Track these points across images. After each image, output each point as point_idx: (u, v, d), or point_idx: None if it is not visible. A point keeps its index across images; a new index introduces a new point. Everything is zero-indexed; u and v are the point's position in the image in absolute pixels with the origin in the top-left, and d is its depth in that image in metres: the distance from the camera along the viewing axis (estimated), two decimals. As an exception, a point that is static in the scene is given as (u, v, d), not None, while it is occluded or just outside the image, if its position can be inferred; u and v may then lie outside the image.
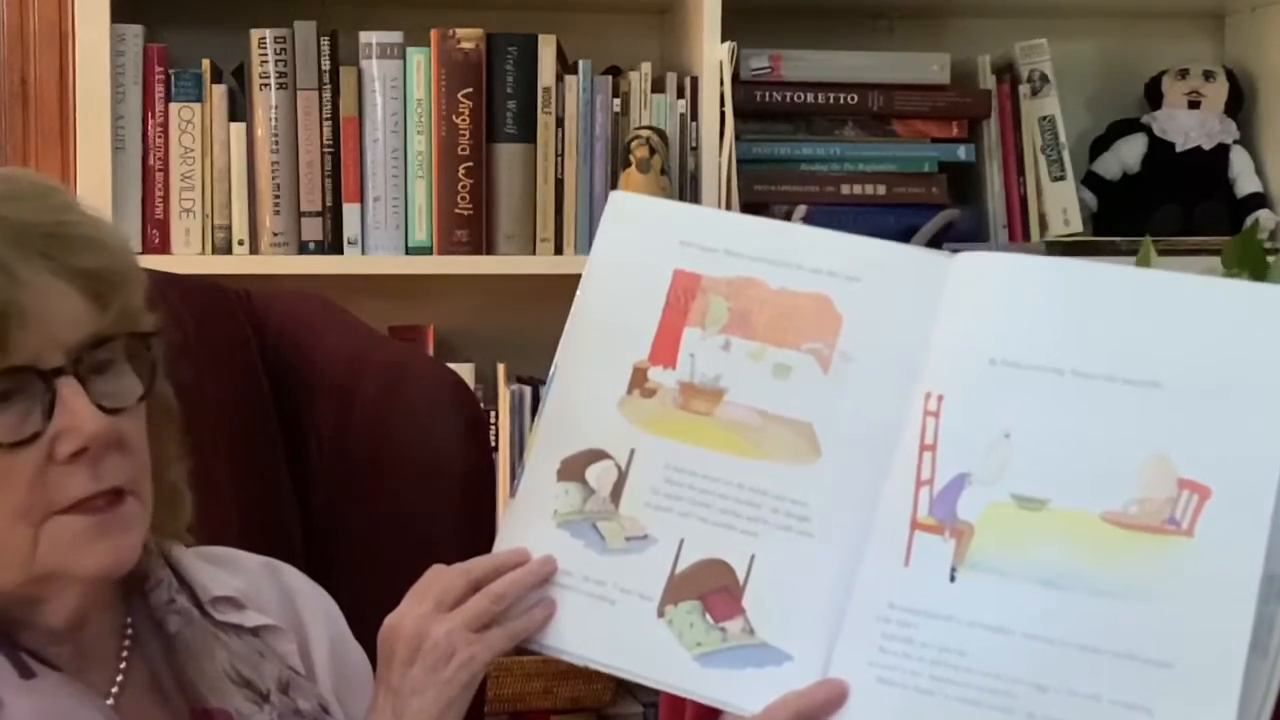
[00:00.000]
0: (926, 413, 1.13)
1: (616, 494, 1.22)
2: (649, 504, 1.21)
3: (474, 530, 1.48)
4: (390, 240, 2.28)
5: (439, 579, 1.20)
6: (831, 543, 1.15)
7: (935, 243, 2.13)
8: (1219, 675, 1.01)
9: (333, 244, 2.27)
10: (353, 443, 1.51)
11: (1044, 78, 2.55)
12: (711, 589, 1.18)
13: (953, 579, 1.10)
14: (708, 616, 1.17)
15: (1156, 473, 1.05)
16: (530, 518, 1.24)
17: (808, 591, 1.15)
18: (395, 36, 2.27)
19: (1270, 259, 1.70)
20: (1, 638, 1.12)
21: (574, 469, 1.24)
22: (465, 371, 2.22)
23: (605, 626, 1.20)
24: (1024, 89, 2.54)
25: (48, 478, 1.07)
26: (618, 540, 1.21)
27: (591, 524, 1.22)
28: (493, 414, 2.27)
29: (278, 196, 2.25)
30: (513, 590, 1.20)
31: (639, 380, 1.24)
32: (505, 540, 1.25)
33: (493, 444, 2.20)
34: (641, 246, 1.27)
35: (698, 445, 1.21)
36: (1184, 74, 2.63)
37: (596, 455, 1.24)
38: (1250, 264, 1.70)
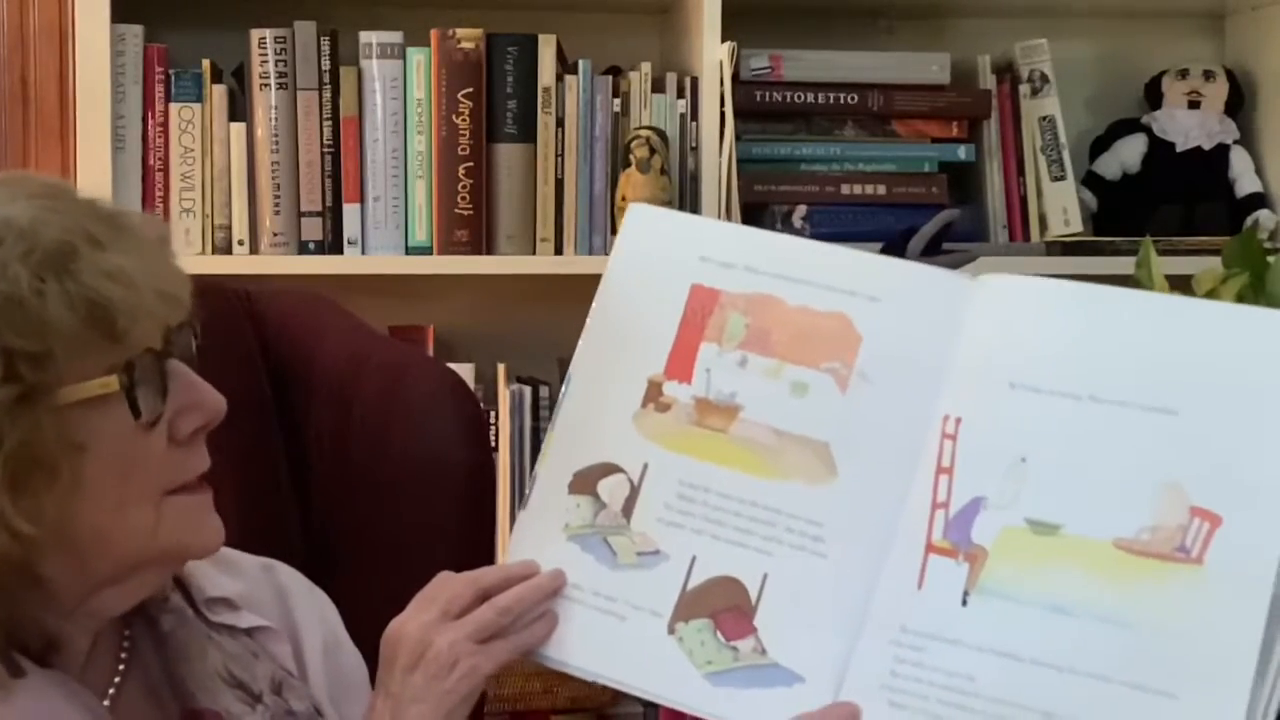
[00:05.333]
0: (944, 435, 1.13)
1: (629, 509, 1.22)
2: (661, 519, 1.20)
3: (474, 530, 1.49)
4: (390, 240, 2.28)
5: (446, 586, 1.20)
6: (845, 564, 1.14)
7: (935, 243, 2.12)
8: (1224, 706, 1.01)
9: (333, 244, 2.27)
10: (353, 442, 1.51)
11: (1044, 78, 2.55)
12: (723, 607, 1.17)
13: (965, 603, 1.09)
14: (719, 635, 1.17)
15: (1169, 500, 1.05)
16: (541, 530, 1.24)
17: (821, 612, 1.14)
18: (395, 36, 2.27)
19: (1270, 259, 1.70)
20: None
21: (586, 482, 1.24)
22: (465, 371, 2.22)
23: (614, 642, 1.20)
24: (1024, 89, 2.54)
25: (171, 459, 1.10)
26: (629, 555, 1.21)
27: (602, 538, 1.22)
28: (493, 414, 2.27)
29: (278, 196, 2.25)
30: (520, 604, 1.19)
31: (654, 394, 1.23)
32: (514, 551, 1.25)
33: (493, 444, 2.20)
34: (660, 259, 1.26)
35: (711, 462, 1.20)
36: (1184, 74, 2.63)
37: (609, 469, 1.23)
38: (1250, 264, 1.70)
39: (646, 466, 1.22)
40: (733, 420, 1.20)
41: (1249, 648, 1.01)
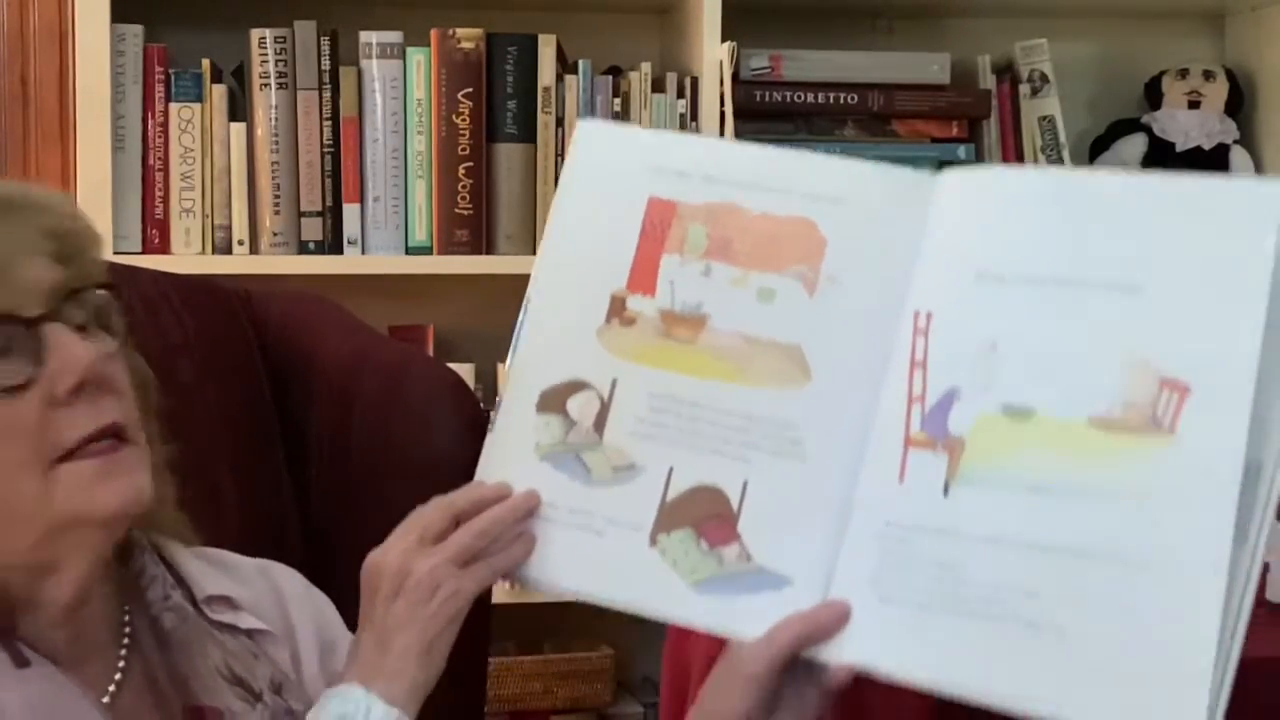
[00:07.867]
0: (916, 330, 1.12)
1: (600, 424, 1.20)
2: (634, 433, 1.19)
3: (474, 530, 1.49)
4: (390, 240, 2.28)
5: (421, 514, 1.19)
6: (825, 465, 1.14)
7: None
8: (1204, 572, 1.01)
9: (333, 244, 2.27)
10: (353, 443, 1.51)
11: (1044, 78, 2.55)
12: (705, 516, 1.16)
13: (946, 493, 1.09)
14: (702, 543, 1.16)
15: (1139, 374, 1.05)
16: (510, 451, 1.22)
17: (804, 514, 1.14)
18: (395, 36, 2.28)
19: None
20: None
21: (554, 400, 1.22)
22: (465, 371, 2.23)
23: (595, 558, 1.18)
24: (1024, 89, 2.54)
25: (50, 422, 1.08)
26: (604, 471, 1.19)
27: (575, 455, 1.20)
28: (493, 414, 2.27)
29: (278, 196, 2.25)
30: (496, 526, 1.18)
31: (618, 309, 1.21)
32: (485, 474, 1.23)
33: (493, 444, 2.20)
34: (613, 174, 1.25)
35: (682, 373, 1.19)
36: (1184, 74, 2.63)
37: (577, 386, 1.22)
38: (1250, 264, 1.70)
39: (616, 381, 1.20)
40: (700, 330, 1.19)
41: (1225, 512, 1.01)
